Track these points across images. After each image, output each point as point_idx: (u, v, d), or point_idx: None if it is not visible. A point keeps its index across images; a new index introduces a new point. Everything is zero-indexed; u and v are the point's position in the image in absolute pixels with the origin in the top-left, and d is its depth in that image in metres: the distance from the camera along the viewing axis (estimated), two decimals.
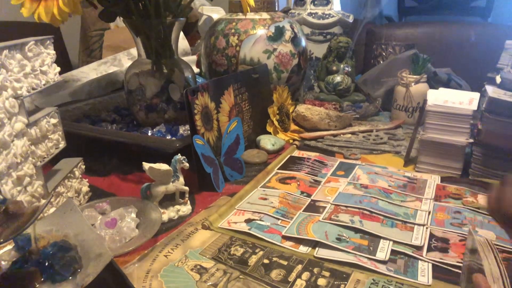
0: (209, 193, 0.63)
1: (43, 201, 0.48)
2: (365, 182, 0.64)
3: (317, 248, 0.48)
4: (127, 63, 1.14)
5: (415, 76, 0.92)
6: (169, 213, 0.56)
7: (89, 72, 1.11)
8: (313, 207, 0.57)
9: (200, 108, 0.64)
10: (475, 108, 0.65)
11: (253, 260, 0.46)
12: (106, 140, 0.74)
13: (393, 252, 0.47)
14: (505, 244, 0.48)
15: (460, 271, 0.44)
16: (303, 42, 0.97)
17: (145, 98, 0.79)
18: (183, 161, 0.57)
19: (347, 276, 0.43)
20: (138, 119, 0.83)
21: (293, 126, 0.92)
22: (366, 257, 0.45)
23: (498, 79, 0.70)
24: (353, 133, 0.89)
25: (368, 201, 0.57)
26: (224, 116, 0.72)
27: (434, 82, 0.98)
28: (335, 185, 0.64)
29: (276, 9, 0.98)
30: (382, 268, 0.44)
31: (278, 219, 0.54)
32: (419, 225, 0.52)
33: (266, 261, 0.46)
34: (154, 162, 0.55)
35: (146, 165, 0.54)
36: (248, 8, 0.79)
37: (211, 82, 0.69)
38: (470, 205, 0.57)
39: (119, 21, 1.34)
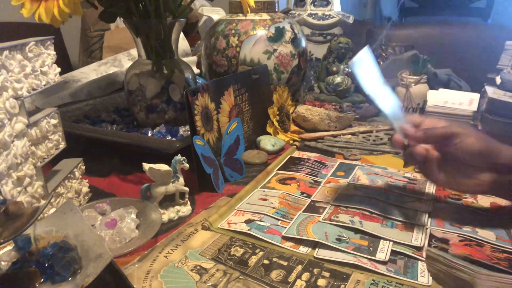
0: (209, 194, 0.63)
1: (43, 202, 0.48)
2: (365, 182, 0.64)
3: (317, 249, 0.48)
4: (127, 63, 1.14)
5: (415, 77, 0.92)
6: (169, 214, 0.56)
7: (89, 73, 1.11)
8: (313, 208, 0.57)
9: (200, 109, 0.64)
10: (475, 109, 0.65)
11: (253, 260, 0.46)
12: (106, 141, 0.74)
13: (393, 252, 0.47)
14: (505, 244, 0.48)
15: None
16: (303, 43, 0.97)
17: (145, 98, 0.79)
18: (183, 161, 0.57)
19: (347, 276, 0.43)
20: (138, 120, 0.83)
21: (293, 127, 0.92)
22: (366, 258, 0.45)
23: (498, 80, 0.70)
24: (353, 133, 0.89)
25: (368, 201, 0.57)
26: (224, 116, 0.72)
27: (434, 83, 0.98)
28: (335, 185, 0.64)
29: (276, 9, 0.98)
30: (382, 269, 0.44)
31: (278, 219, 0.54)
32: (419, 225, 0.52)
33: (266, 261, 0.46)
34: (154, 163, 0.55)
35: (146, 166, 0.54)
36: (248, 8, 0.79)
37: (211, 83, 0.69)
38: (470, 205, 0.57)
39: (119, 21, 1.34)
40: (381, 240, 0.49)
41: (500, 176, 0.48)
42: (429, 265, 0.43)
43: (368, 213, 0.54)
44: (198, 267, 0.45)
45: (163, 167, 0.55)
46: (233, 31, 0.92)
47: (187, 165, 0.58)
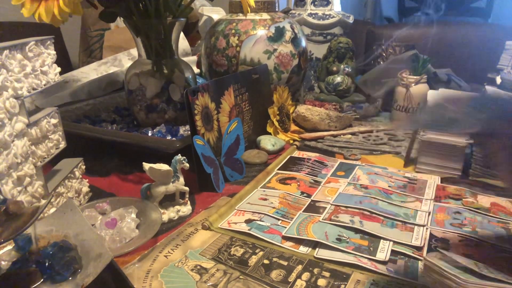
0: (209, 194, 0.63)
1: (43, 201, 0.48)
2: (365, 182, 0.64)
3: (317, 249, 0.48)
4: (127, 63, 1.14)
5: (415, 77, 0.92)
6: (169, 214, 0.56)
7: (90, 72, 1.11)
8: (313, 208, 0.57)
9: (200, 109, 0.64)
10: None
11: (253, 260, 0.46)
12: (106, 140, 0.74)
13: (393, 252, 0.47)
14: (505, 244, 0.48)
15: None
16: (303, 43, 0.97)
17: (146, 98, 0.79)
18: (183, 161, 0.57)
19: (347, 276, 0.43)
20: (138, 119, 0.83)
21: (293, 127, 0.92)
22: (366, 258, 0.45)
23: (498, 80, 0.70)
24: (353, 133, 0.89)
25: (368, 201, 0.57)
26: (224, 116, 0.72)
27: (434, 83, 0.98)
28: (335, 185, 0.64)
29: (277, 9, 0.98)
30: (382, 269, 0.44)
31: (278, 219, 0.54)
32: (419, 225, 0.52)
33: (266, 261, 0.46)
34: (154, 163, 0.55)
35: (146, 166, 0.54)
36: (249, 8, 0.79)
37: (211, 83, 0.69)
38: (470, 205, 0.57)
39: (120, 21, 1.34)
40: (381, 240, 0.49)
41: None
42: (427, 275, 0.43)
43: (368, 213, 0.54)
44: (198, 267, 0.45)
45: (163, 167, 0.55)
46: (233, 31, 0.92)
47: (187, 164, 0.58)
